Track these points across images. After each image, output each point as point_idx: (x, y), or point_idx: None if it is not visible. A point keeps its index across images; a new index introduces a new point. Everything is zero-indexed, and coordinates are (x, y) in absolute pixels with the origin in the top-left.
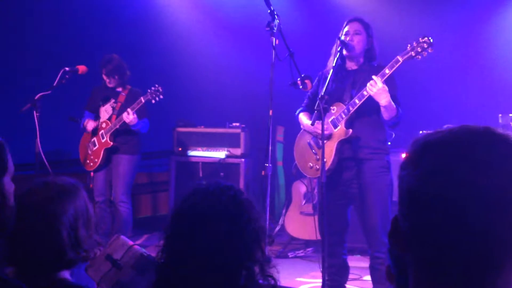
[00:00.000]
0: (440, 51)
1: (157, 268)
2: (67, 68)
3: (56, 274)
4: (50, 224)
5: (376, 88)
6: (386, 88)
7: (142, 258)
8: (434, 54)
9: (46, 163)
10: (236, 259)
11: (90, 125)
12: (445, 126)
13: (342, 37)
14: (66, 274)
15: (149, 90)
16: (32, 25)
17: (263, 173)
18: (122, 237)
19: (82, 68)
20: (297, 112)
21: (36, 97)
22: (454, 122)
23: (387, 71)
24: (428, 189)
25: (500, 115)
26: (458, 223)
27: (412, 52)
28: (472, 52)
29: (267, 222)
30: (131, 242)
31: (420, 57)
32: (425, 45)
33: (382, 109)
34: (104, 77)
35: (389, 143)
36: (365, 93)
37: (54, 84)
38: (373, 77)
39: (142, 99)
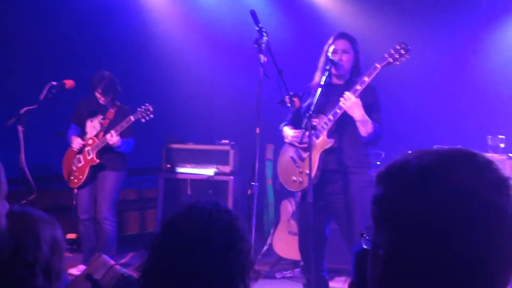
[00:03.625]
0: (430, 71)
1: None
2: (54, 83)
3: None
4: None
5: (350, 102)
6: (360, 102)
7: (122, 279)
8: (424, 73)
9: (30, 178)
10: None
11: (76, 143)
12: (435, 146)
13: (330, 55)
14: None
15: (139, 109)
16: (18, 39)
17: (249, 191)
18: (104, 256)
19: (69, 83)
20: (281, 126)
21: (22, 111)
22: (443, 143)
23: (366, 78)
24: (412, 213)
25: (489, 136)
26: (444, 251)
27: (390, 58)
28: (462, 72)
29: (253, 241)
30: (112, 262)
31: (398, 63)
32: (402, 51)
33: (357, 124)
34: (98, 95)
35: (379, 163)
36: (338, 110)
37: (41, 98)
38: (346, 92)
39: (132, 118)
